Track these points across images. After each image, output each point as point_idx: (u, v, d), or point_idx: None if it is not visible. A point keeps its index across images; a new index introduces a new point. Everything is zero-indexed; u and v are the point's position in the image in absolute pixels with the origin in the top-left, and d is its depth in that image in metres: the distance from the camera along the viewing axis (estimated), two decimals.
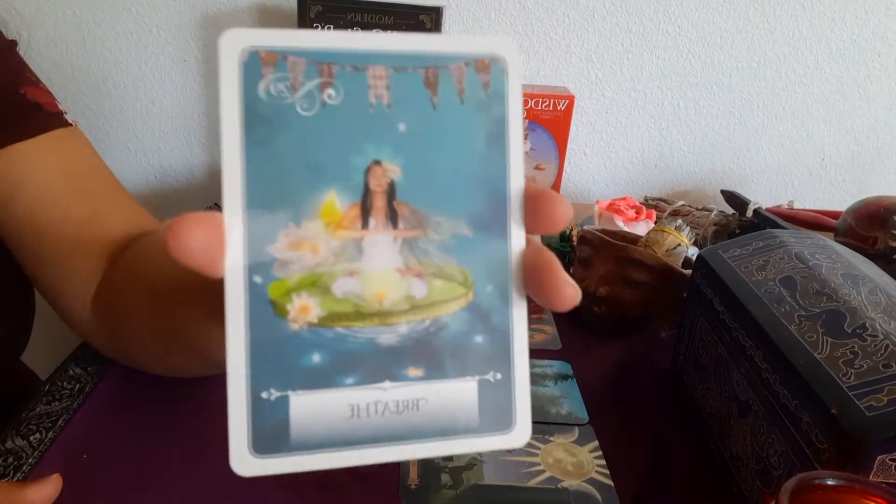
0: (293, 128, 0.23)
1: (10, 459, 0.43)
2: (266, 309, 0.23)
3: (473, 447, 0.24)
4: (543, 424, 0.50)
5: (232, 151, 0.23)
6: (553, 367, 0.57)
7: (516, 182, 0.25)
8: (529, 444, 0.48)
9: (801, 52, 0.94)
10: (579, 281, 0.64)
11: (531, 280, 0.25)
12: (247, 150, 0.23)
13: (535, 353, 0.59)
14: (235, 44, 0.23)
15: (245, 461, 0.23)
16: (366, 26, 0.81)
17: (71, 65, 0.91)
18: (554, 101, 0.84)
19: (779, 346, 0.40)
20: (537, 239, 0.26)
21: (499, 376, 0.25)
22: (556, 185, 0.89)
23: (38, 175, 0.47)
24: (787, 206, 0.87)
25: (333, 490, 0.43)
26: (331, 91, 0.23)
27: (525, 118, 0.85)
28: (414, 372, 0.24)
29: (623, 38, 0.93)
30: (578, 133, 0.99)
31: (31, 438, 0.45)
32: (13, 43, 0.52)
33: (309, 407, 0.23)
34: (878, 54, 0.95)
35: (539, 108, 0.84)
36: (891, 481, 0.34)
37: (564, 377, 0.56)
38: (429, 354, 0.24)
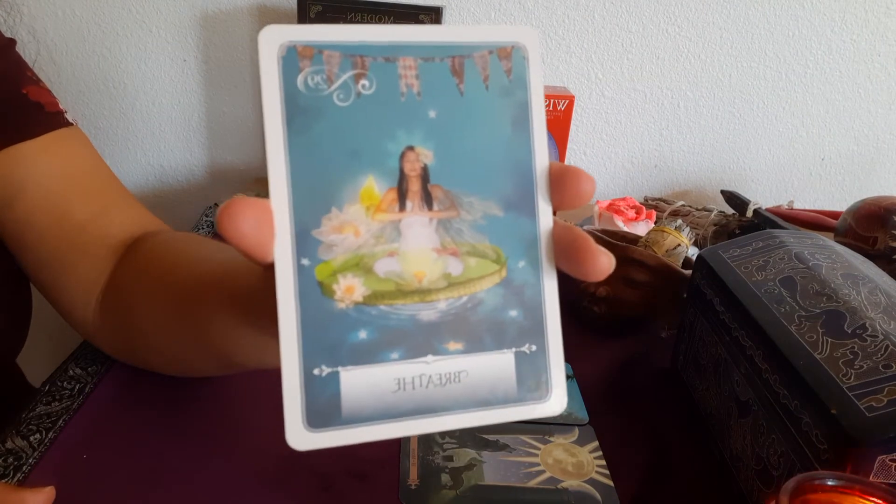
0: (331, 117, 0.25)
1: (10, 460, 0.43)
2: (314, 290, 0.24)
3: (513, 416, 0.26)
4: (543, 424, 0.50)
5: (276, 142, 0.24)
6: None
7: (541, 162, 0.26)
8: (529, 445, 0.48)
9: (801, 52, 0.94)
10: (579, 281, 0.64)
11: (566, 254, 0.26)
12: (289, 140, 0.24)
13: None
14: (274, 39, 0.24)
15: (301, 436, 0.24)
16: None
17: (71, 65, 0.91)
18: (554, 101, 0.84)
19: (779, 347, 0.40)
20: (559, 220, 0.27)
21: (534, 348, 0.26)
22: None
23: (39, 176, 0.47)
24: (787, 206, 0.87)
25: (333, 490, 0.43)
26: (364, 82, 0.25)
27: None
28: (454, 346, 0.25)
29: (623, 38, 0.93)
30: (578, 133, 0.99)
31: (31, 439, 0.45)
32: (12, 41, 0.51)
33: (358, 382, 0.24)
34: (878, 54, 0.94)
35: None
36: (891, 481, 0.34)
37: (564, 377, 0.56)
38: (467, 329, 0.25)
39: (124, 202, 0.51)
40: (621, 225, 0.77)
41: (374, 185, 0.25)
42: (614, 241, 0.62)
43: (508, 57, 0.26)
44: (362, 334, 0.24)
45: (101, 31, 0.89)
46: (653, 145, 1.00)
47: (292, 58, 0.24)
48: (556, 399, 0.26)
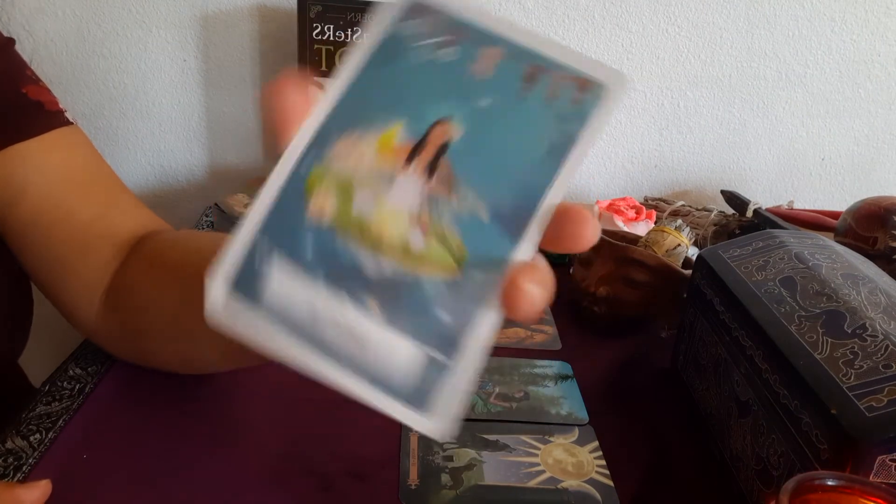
0: (407, 63, 0.27)
1: (10, 459, 0.43)
2: (300, 185, 0.26)
3: (389, 409, 0.25)
4: (543, 425, 0.50)
5: (357, 60, 0.27)
6: (553, 367, 0.57)
7: (554, 197, 0.25)
8: (529, 445, 0.48)
9: (801, 52, 0.94)
10: (579, 281, 0.64)
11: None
12: (368, 63, 0.27)
13: (535, 353, 0.59)
14: None
15: (222, 296, 0.25)
16: None
17: (71, 65, 0.91)
18: None
19: (779, 347, 0.40)
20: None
21: (445, 360, 0.24)
22: None
23: (41, 176, 0.47)
24: (787, 206, 0.87)
25: (333, 490, 0.43)
26: (450, 49, 0.27)
27: None
28: (373, 306, 0.25)
29: (623, 38, 0.93)
30: None
31: (31, 439, 0.45)
32: (11, 41, 0.51)
33: (285, 284, 0.25)
34: (878, 54, 0.94)
35: None
36: (891, 481, 0.34)
37: (564, 377, 0.56)
38: (394, 302, 0.25)
39: (127, 201, 0.51)
40: (621, 225, 0.77)
41: (398, 134, 0.26)
42: (614, 241, 0.62)
43: (585, 89, 0.26)
44: (311, 246, 0.25)
45: (101, 31, 0.89)
46: (653, 145, 1.00)
47: (411, 7, 0.27)
48: (437, 422, 0.24)
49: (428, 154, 0.26)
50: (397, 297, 0.25)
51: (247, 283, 0.25)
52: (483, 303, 0.24)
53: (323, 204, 0.25)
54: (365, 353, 0.25)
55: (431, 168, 0.25)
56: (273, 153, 0.26)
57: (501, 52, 0.26)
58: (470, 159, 0.25)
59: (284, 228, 0.25)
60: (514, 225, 0.25)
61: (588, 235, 0.24)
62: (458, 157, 0.25)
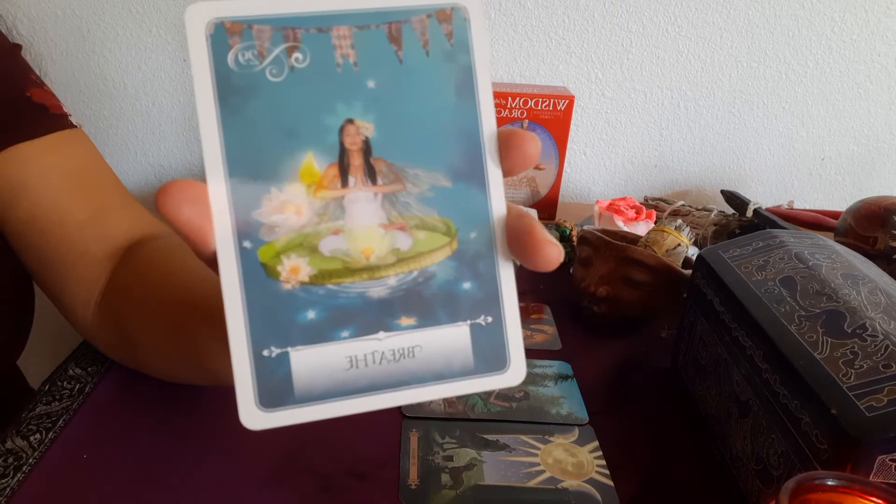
0: (265, 94, 0.24)
1: (11, 460, 0.43)
2: (258, 272, 0.24)
3: (470, 388, 0.25)
4: (543, 425, 0.50)
5: (209, 123, 0.24)
6: (553, 367, 0.57)
7: (489, 127, 0.25)
8: (529, 445, 0.48)
9: (801, 52, 0.94)
10: (579, 281, 0.64)
11: (515, 244, 0.25)
12: (223, 120, 0.24)
13: (535, 353, 0.59)
14: (201, 17, 0.23)
15: (253, 416, 0.24)
16: None
17: (71, 65, 0.91)
18: (554, 101, 0.84)
19: (779, 347, 0.40)
20: (517, 206, 0.26)
21: (490, 319, 0.25)
22: (555, 186, 0.89)
23: (41, 175, 0.47)
24: (787, 206, 0.87)
25: (333, 490, 0.43)
26: (298, 55, 0.24)
27: (525, 118, 0.85)
28: (406, 321, 0.25)
29: (623, 38, 0.93)
30: (578, 133, 0.99)
31: (31, 439, 0.45)
32: (18, 46, 0.52)
33: (309, 361, 0.24)
34: (878, 54, 0.94)
35: (539, 108, 0.84)
36: (891, 481, 0.34)
37: (564, 377, 0.56)
38: (419, 303, 0.25)
39: (125, 203, 0.51)
40: (621, 225, 0.77)
41: (314, 162, 0.24)
42: (614, 241, 0.62)
43: (448, 20, 0.25)
44: (311, 314, 0.24)
45: (101, 31, 0.89)
46: (653, 145, 1.00)
47: (221, 35, 0.23)
48: (516, 370, 0.25)
49: (357, 162, 0.25)
50: (420, 299, 0.25)
51: (271, 395, 0.24)
52: (493, 254, 0.25)
53: (294, 271, 0.24)
54: (423, 362, 0.25)
55: (370, 173, 0.25)
56: (203, 257, 0.25)
57: (348, 28, 0.24)
58: (397, 144, 0.25)
59: (273, 322, 0.24)
60: (473, 172, 0.25)
61: (530, 149, 0.25)
62: (386, 148, 0.25)
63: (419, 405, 0.50)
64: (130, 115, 0.94)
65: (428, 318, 0.25)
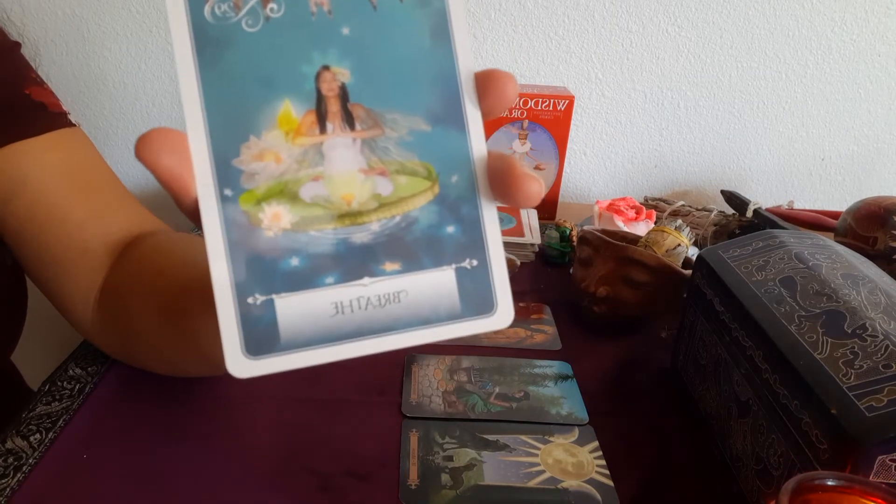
0: (241, 45, 0.24)
1: (11, 459, 0.43)
2: (241, 219, 0.24)
3: (458, 332, 0.25)
4: (543, 425, 0.50)
5: (188, 75, 0.24)
6: (553, 367, 0.57)
7: (466, 69, 0.26)
8: (529, 445, 0.48)
9: (801, 52, 0.94)
10: (579, 281, 0.64)
11: (496, 183, 0.25)
12: (201, 72, 0.24)
13: (535, 353, 0.59)
14: None
15: (240, 363, 0.24)
16: None
17: (71, 65, 0.91)
18: (554, 101, 0.84)
19: (779, 347, 0.40)
20: (497, 150, 0.26)
21: (475, 262, 0.25)
22: (556, 186, 0.89)
23: (40, 173, 0.47)
24: (787, 206, 0.87)
25: (333, 490, 0.43)
26: (273, 5, 0.25)
27: (525, 118, 0.85)
28: (391, 266, 0.25)
29: (623, 38, 0.93)
30: (578, 133, 0.99)
31: (31, 439, 0.45)
32: (17, 44, 0.52)
33: (294, 308, 0.24)
34: (878, 54, 0.95)
35: (539, 108, 0.84)
36: (891, 481, 0.34)
37: (564, 377, 0.56)
38: (403, 248, 0.25)
39: (124, 201, 0.51)
40: (621, 225, 0.77)
41: (292, 110, 0.24)
42: (614, 241, 0.62)
43: None
44: (294, 261, 0.24)
45: (101, 31, 0.89)
46: (653, 145, 1.00)
47: None
48: (502, 313, 0.25)
49: (334, 108, 0.25)
50: (404, 244, 0.25)
51: (258, 343, 0.24)
52: (476, 197, 0.25)
53: (276, 218, 0.24)
54: (410, 307, 0.25)
55: (348, 119, 0.25)
56: (184, 207, 0.25)
57: None
58: (374, 89, 0.25)
59: (256, 270, 0.24)
60: (452, 115, 0.25)
61: (509, 88, 0.25)
62: (363, 94, 0.25)
63: (419, 405, 0.50)
64: (130, 115, 0.94)
65: (412, 262, 0.25)
